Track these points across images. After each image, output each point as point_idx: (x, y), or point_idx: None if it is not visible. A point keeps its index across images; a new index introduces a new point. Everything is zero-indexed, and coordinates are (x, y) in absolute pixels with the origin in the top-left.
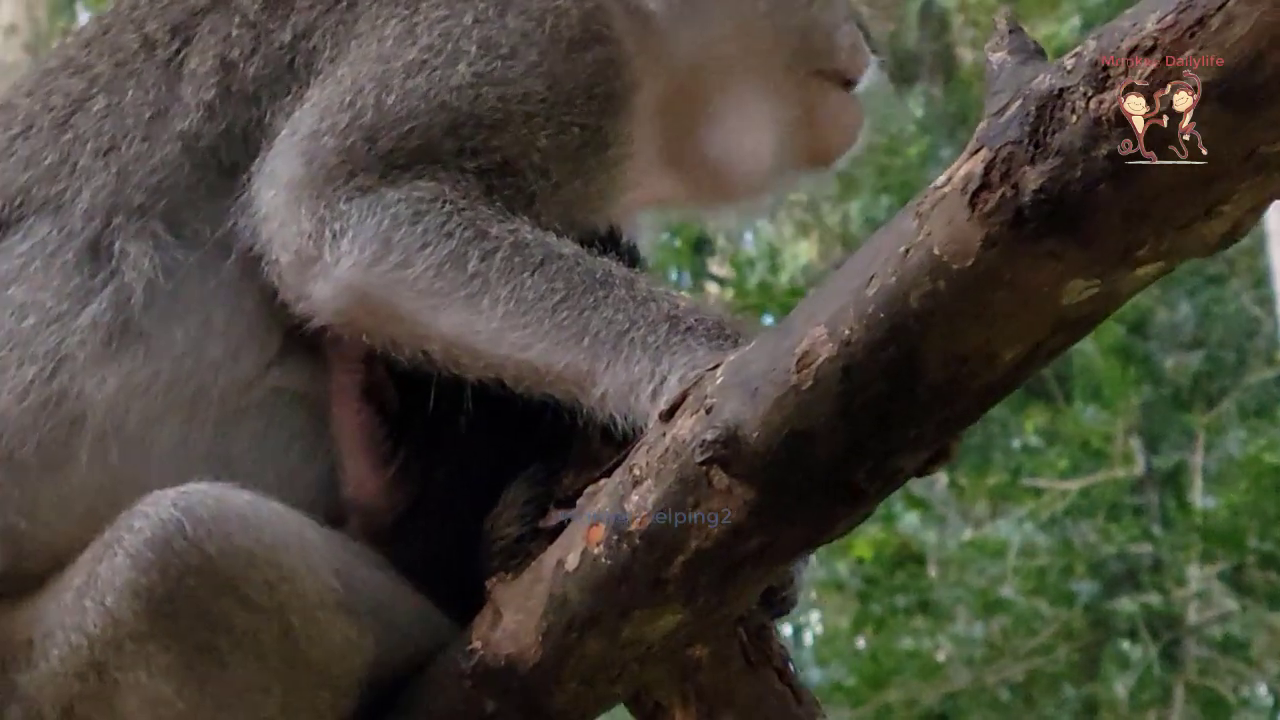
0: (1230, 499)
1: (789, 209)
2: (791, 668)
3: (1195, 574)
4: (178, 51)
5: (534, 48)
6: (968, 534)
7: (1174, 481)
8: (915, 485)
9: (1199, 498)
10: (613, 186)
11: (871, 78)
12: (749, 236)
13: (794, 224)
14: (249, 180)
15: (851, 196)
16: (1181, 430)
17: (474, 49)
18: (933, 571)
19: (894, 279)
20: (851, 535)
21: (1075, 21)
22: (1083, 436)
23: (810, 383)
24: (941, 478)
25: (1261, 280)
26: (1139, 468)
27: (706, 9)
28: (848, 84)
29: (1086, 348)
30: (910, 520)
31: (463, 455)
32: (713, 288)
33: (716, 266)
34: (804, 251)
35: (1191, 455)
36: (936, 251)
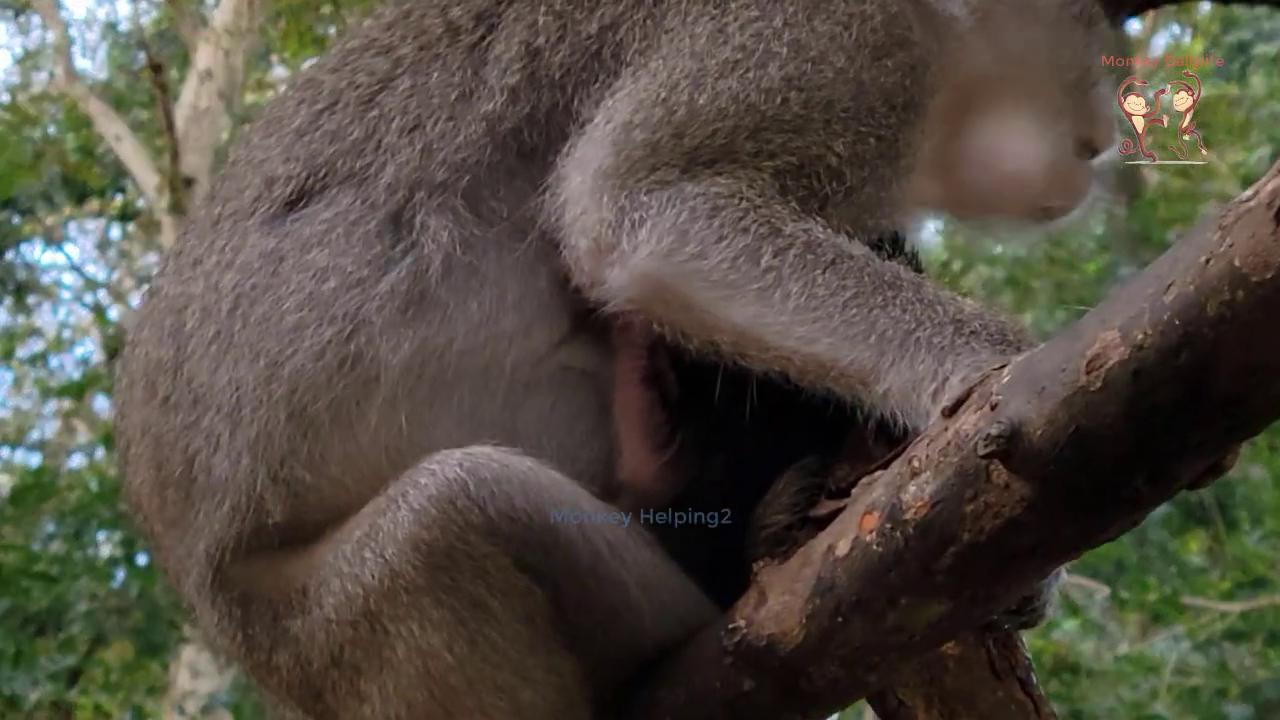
0: None
1: None
2: (1035, 679)
3: None
4: (482, 38)
5: (841, 52)
6: (1124, 648)
7: None
8: (1076, 593)
9: None
10: (901, 193)
11: (1106, 161)
12: None
13: None
14: (554, 163)
15: (1028, 307)
16: None
17: (785, 50)
18: (1086, 682)
19: (1192, 287)
20: None
21: (1264, 151)
22: (1246, 560)
23: (1099, 384)
24: (1103, 589)
25: None
26: None
27: (1005, 23)
28: (1091, 154)
29: (1254, 475)
30: (1069, 628)
31: (738, 445)
32: None
33: None
34: None
35: None
36: (1237, 263)
